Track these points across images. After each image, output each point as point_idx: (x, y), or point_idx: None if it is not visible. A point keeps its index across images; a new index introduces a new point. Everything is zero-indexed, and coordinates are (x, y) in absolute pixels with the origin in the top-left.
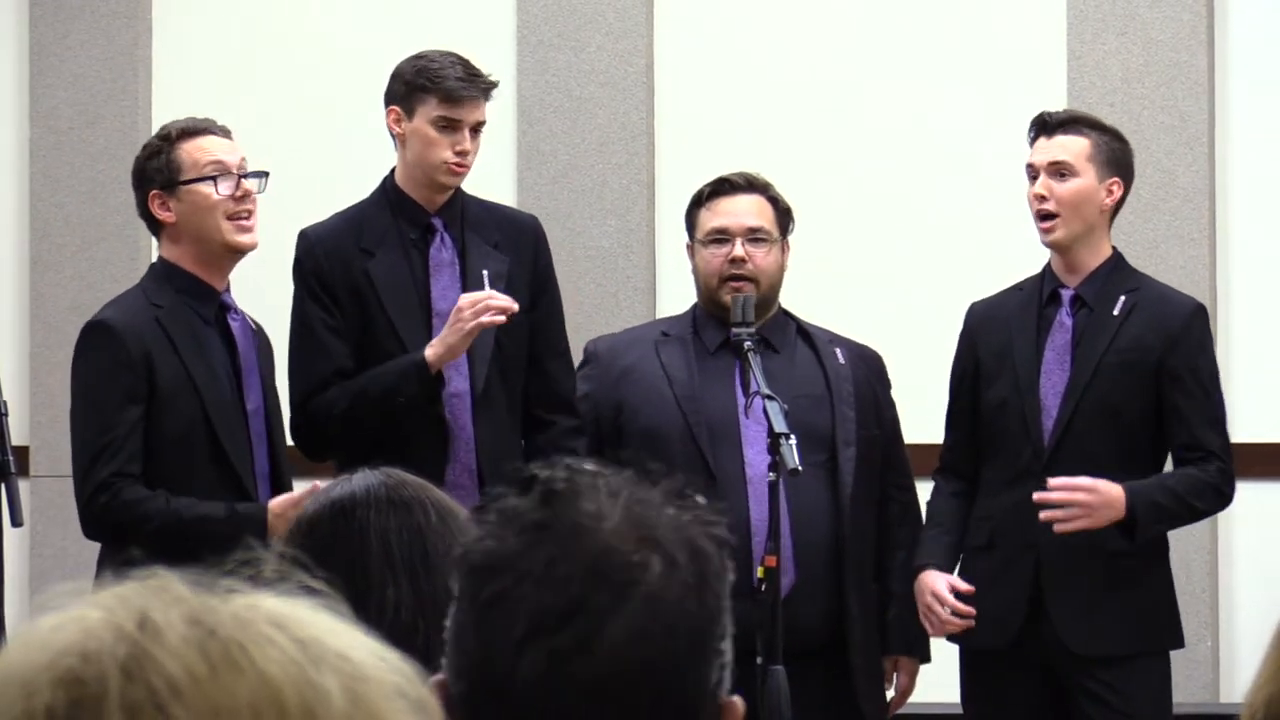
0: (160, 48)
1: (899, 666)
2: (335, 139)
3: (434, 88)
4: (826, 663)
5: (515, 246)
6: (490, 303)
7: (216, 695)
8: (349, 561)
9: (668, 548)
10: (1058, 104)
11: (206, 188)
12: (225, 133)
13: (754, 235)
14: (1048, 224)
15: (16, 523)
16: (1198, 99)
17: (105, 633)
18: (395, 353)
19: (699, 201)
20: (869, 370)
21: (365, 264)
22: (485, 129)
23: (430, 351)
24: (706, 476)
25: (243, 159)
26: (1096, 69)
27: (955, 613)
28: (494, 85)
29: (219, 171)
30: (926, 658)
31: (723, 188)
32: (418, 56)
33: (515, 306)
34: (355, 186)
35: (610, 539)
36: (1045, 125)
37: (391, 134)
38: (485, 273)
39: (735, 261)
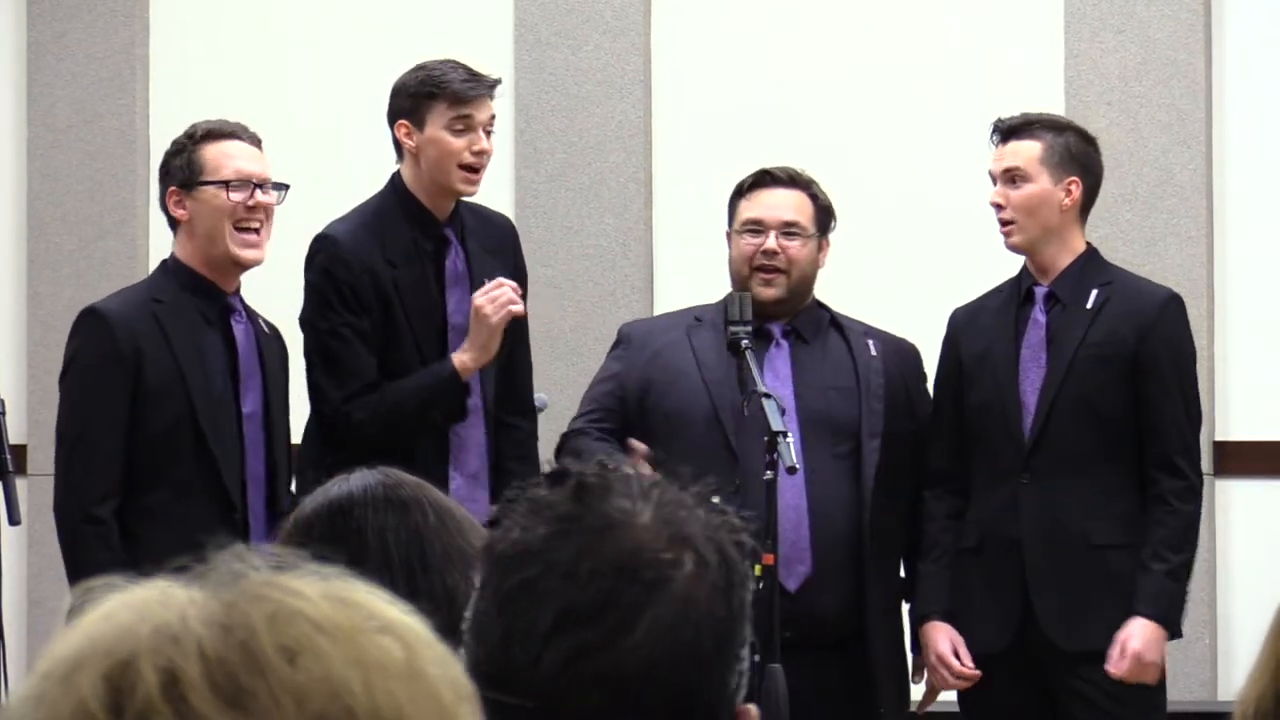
0: (158, 46)
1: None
2: (333, 138)
3: (442, 92)
4: (846, 654)
5: (502, 252)
6: (507, 296)
7: (360, 641)
8: (346, 561)
9: (700, 549)
10: (1056, 102)
11: (219, 191)
12: (254, 140)
13: (788, 229)
14: (1005, 229)
15: (14, 521)
16: (1195, 97)
17: (220, 590)
18: (414, 366)
19: (740, 192)
20: (903, 364)
21: (392, 275)
22: None
23: (461, 359)
24: (730, 460)
25: (265, 170)
26: (1094, 67)
27: (960, 674)
28: (498, 83)
29: (236, 178)
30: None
31: (764, 180)
32: (417, 68)
33: (519, 306)
34: (353, 185)
35: (641, 536)
36: (999, 131)
37: (400, 148)
38: (487, 281)
39: (767, 253)
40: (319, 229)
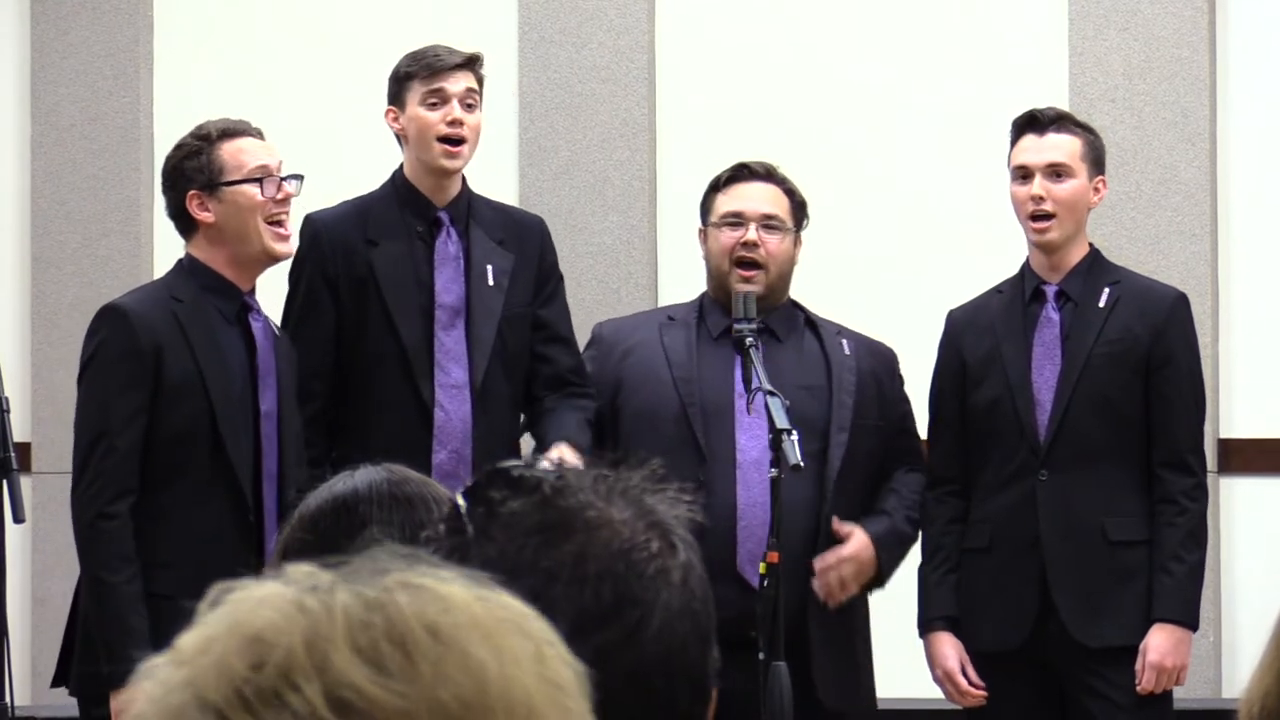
0: (161, 43)
1: (853, 534)
2: (336, 134)
3: (416, 68)
4: (790, 652)
5: (520, 244)
6: None
7: (495, 628)
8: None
9: (675, 530)
10: (1060, 99)
11: (250, 189)
12: (260, 135)
13: (768, 222)
14: (1043, 224)
15: (18, 519)
16: (1199, 94)
17: (382, 578)
18: (389, 346)
19: (716, 186)
20: (877, 363)
21: (368, 254)
22: (487, 125)
23: None
24: (698, 459)
25: (280, 161)
26: (1098, 65)
27: (966, 693)
28: (474, 55)
29: (263, 175)
30: (882, 578)
31: (741, 174)
32: (403, 56)
33: None
34: (356, 181)
35: (625, 531)
36: (1037, 123)
37: (396, 136)
38: (489, 266)
39: (748, 245)
40: None
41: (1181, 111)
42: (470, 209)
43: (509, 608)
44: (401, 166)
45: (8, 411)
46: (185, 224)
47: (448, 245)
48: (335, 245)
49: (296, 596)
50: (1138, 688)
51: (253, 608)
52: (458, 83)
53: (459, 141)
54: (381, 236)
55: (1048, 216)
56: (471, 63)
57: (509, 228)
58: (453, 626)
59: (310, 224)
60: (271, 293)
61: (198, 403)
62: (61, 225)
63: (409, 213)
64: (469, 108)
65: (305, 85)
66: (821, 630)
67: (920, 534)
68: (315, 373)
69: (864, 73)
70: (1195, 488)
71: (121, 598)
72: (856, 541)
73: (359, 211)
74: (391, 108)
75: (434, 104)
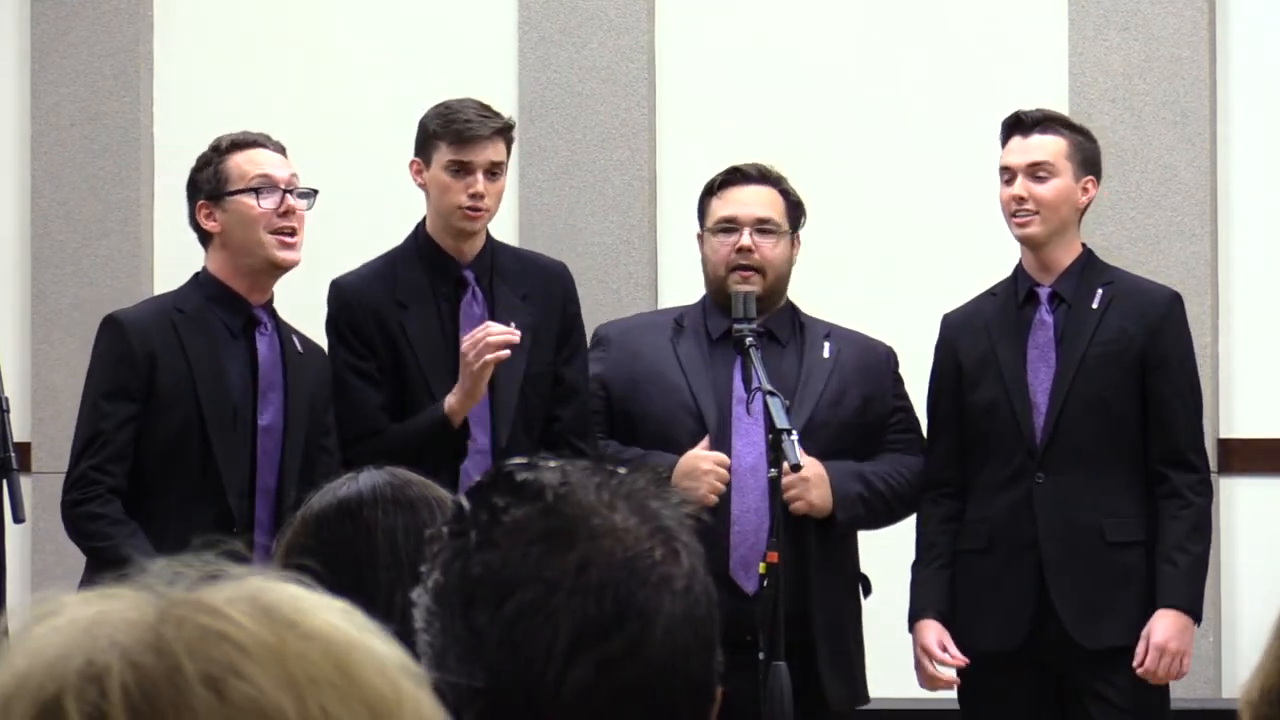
0: (161, 43)
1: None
2: (337, 135)
3: (444, 132)
4: (792, 654)
5: (544, 297)
6: (489, 340)
7: (288, 657)
8: (355, 561)
9: (680, 537)
10: (1060, 99)
11: (250, 199)
12: (278, 148)
13: (762, 226)
14: (1024, 219)
15: (18, 519)
16: (1199, 94)
17: (150, 611)
18: (426, 405)
19: (711, 190)
20: (869, 360)
21: (401, 316)
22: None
23: (449, 404)
24: None
25: (293, 175)
26: (1098, 65)
27: (945, 664)
28: (506, 125)
29: (264, 185)
30: (835, 515)
31: (734, 177)
32: (439, 104)
33: (515, 336)
34: (357, 182)
35: (629, 538)
36: (1021, 124)
37: (420, 186)
38: (512, 324)
39: (742, 251)
40: (325, 225)
41: (1181, 111)
42: (494, 263)
43: (297, 619)
44: (424, 221)
45: (8, 411)
46: (201, 235)
47: (472, 306)
48: (366, 309)
49: (81, 662)
50: (1137, 669)
51: (41, 676)
52: (484, 155)
53: (478, 210)
54: (410, 299)
55: (1030, 213)
56: (502, 132)
57: (533, 279)
58: (238, 674)
59: (338, 290)
60: (300, 304)
61: (188, 411)
62: (61, 225)
63: (434, 273)
64: (493, 176)
65: (305, 85)
66: (828, 633)
67: (904, 513)
68: (383, 406)
69: (864, 73)
70: (1200, 483)
71: (125, 549)
72: (807, 460)
73: (385, 273)
74: (416, 159)
75: (457, 172)
